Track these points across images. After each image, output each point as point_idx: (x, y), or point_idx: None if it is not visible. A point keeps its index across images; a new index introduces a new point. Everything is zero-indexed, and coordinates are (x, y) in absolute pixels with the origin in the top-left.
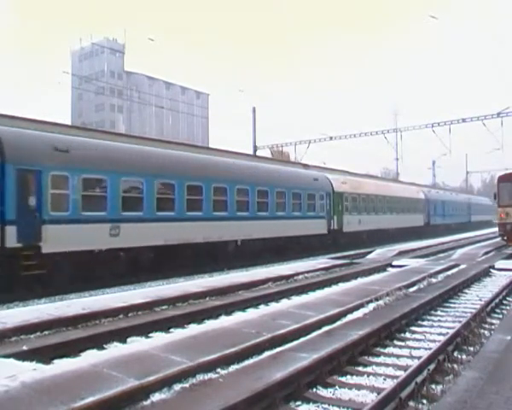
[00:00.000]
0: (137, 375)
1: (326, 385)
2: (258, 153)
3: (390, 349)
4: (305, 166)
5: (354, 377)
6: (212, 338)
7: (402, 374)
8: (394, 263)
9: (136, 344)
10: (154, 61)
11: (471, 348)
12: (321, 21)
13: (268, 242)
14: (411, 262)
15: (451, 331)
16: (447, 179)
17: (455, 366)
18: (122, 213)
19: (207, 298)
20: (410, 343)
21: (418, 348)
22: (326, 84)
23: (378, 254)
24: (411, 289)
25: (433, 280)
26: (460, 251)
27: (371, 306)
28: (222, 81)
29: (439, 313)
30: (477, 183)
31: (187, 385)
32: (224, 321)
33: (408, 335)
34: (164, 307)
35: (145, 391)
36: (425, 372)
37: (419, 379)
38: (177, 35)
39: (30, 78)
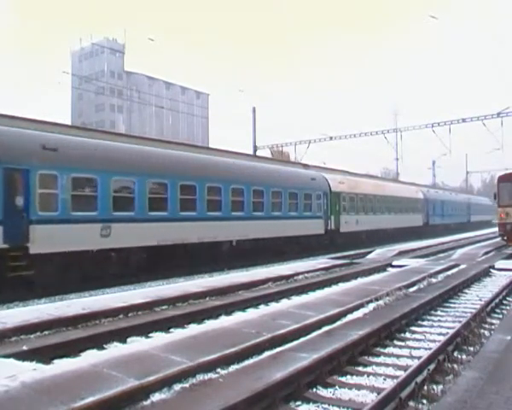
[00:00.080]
0: (137, 375)
1: (326, 385)
2: (259, 153)
3: (390, 349)
4: (305, 166)
5: (354, 377)
6: (212, 338)
7: (402, 374)
8: (394, 263)
9: (136, 344)
10: (154, 61)
11: (471, 348)
12: (321, 21)
13: (264, 242)
14: (411, 262)
15: (451, 331)
16: (447, 179)
17: (455, 366)
18: (113, 214)
19: (207, 298)
20: (410, 343)
21: (418, 348)
22: (326, 84)
23: (378, 254)
24: (411, 289)
25: (433, 280)
26: (460, 251)
27: (371, 306)
28: (222, 81)
29: (439, 313)
30: (477, 183)
31: (187, 385)
32: (223, 321)
33: (408, 335)
34: (164, 307)
35: (145, 391)
36: (425, 372)
37: (419, 379)
38: (177, 35)
39: (30, 78)
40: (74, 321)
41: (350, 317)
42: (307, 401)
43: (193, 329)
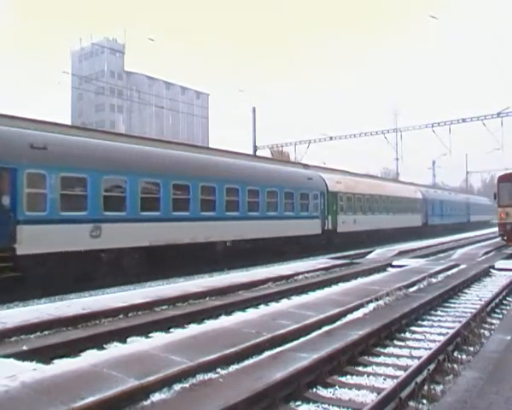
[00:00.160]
0: (137, 375)
1: (326, 385)
2: (259, 153)
3: (390, 349)
4: (306, 166)
5: (354, 377)
6: (212, 338)
7: (402, 374)
8: (394, 263)
9: (136, 344)
10: (154, 61)
11: (471, 348)
12: (321, 21)
13: (259, 242)
14: (411, 262)
15: (451, 331)
16: (447, 179)
17: (455, 366)
18: (104, 213)
19: (207, 298)
20: (410, 343)
21: (418, 348)
22: (326, 84)
23: (378, 254)
24: (411, 289)
25: (433, 280)
26: (460, 251)
27: (371, 306)
28: (222, 81)
29: (439, 313)
30: (477, 183)
31: (187, 385)
32: (223, 321)
33: (408, 335)
34: (164, 307)
35: (145, 391)
36: (425, 372)
37: (419, 379)
38: (177, 35)
39: (30, 78)
40: (74, 321)
41: (350, 317)
42: (307, 401)
43: (193, 329)
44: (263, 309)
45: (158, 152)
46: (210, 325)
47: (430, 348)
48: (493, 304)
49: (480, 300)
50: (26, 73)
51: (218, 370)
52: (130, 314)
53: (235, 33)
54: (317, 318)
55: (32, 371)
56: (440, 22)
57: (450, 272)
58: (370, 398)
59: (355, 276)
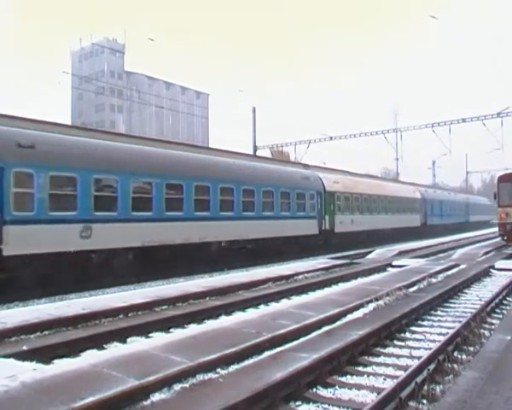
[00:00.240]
0: (137, 375)
1: (326, 385)
2: (259, 153)
3: (390, 349)
4: (305, 166)
5: (354, 377)
6: (212, 338)
7: (402, 374)
8: (394, 263)
9: (136, 344)
10: (154, 61)
11: (471, 348)
12: (321, 21)
13: (254, 243)
14: (411, 262)
15: (451, 331)
16: (447, 179)
17: (455, 366)
18: (94, 214)
19: (207, 298)
20: (410, 343)
21: (418, 348)
22: (326, 84)
23: (378, 254)
24: (411, 289)
25: (433, 280)
26: (460, 251)
27: (371, 306)
28: (222, 81)
29: (439, 313)
30: (477, 183)
31: (187, 385)
32: (224, 321)
33: (408, 335)
34: (164, 307)
35: (145, 391)
36: (425, 372)
37: (419, 379)
38: (177, 35)
39: (30, 78)
40: (74, 321)
41: (350, 317)
42: (307, 401)
43: (193, 329)
44: (263, 309)
45: (150, 151)
46: (210, 325)
47: (430, 348)
48: (493, 304)
49: (480, 300)
50: (26, 73)
51: (218, 370)
52: (130, 314)
53: (235, 33)
54: (317, 318)
55: (32, 371)
56: (440, 22)
57: (450, 272)
58: (370, 398)
59: (355, 276)
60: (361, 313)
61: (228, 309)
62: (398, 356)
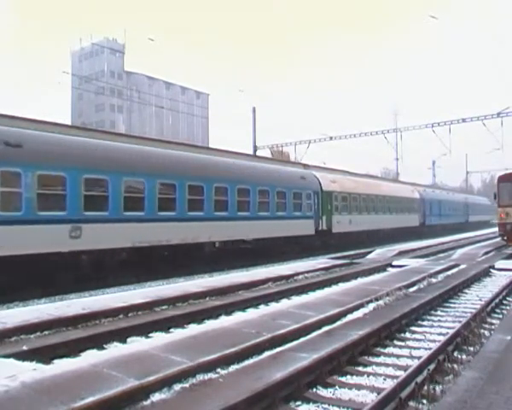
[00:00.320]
0: (137, 375)
1: (326, 385)
2: (259, 153)
3: (390, 349)
4: (306, 166)
5: (354, 377)
6: (212, 338)
7: (402, 374)
8: (394, 263)
9: (136, 344)
10: (154, 61)
11: (471, 348)
12: (321, 21)
13: (250, 243)
14: (411, 262)
15: (451, 331)
16: (447, 179)
17: (455, 366)
18: (84, 214)
19: (207, 298)
20: (410, 343)
21: (418, 348)
22: (326, 84)
23: (378, 254)
24: (411, 289)
25: (433, 280)
26: (460, 251)
27: (371, 306)
28: (222, 81)
29: (439, 313)
30: (477, 183)
31: (187, 385)
32: (223, 321)
33: (408, 335)
34: (164, 307)
35: (145, 391)
36: (425, 372)
37: (419, 379)
38: (177, 35)
39: (30, 78)
40: (74, 321)
41: (350, 317)
42: (307, 401)
43: (193, 329)
44: (263, 309)
45: (142, 150)
46: (210, 325)
47: (430, 348)
48: (493, 304)
49: (480, 300)
50: (26, 73)
51: (218, 370)
52: (130, 314)
53: (235, 33)
54: (317, 318)
55: (32, 371)
56: (440, 22)
57: (450, 272)
58: (370, 398)
59: (355, 276)
60: (361, 313)
61: (228, 309)
62: (398, 356)
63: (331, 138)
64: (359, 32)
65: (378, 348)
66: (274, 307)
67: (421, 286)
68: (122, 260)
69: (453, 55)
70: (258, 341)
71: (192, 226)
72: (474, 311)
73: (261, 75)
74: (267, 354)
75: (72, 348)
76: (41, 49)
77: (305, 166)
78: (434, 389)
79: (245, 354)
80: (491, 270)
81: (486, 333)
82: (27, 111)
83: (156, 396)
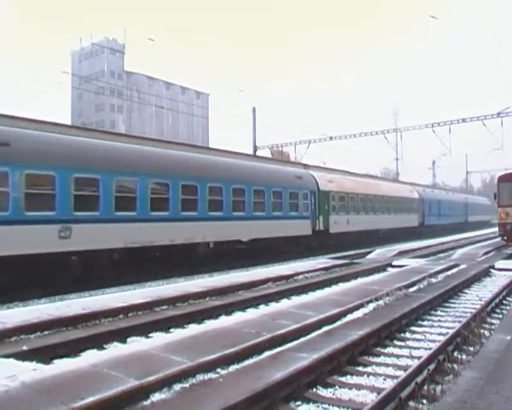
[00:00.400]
0: (137, 375)
1: (326, 385)
2: (259, 153)
3: (390, 349)
4: (305, 166)
5: (354, 377)
6: (212, 338)
7: (402, 374)
8: (394, 263)
9: (136, 344)
10: (154, 61)
11: (471, 348)
12: (321, 21)
13: (245, 244)
14: (411, 262)
15: (451, 331)
16: (447, 179)
17: (455, 366)
18: (74, 214)
19: (207, 298)
20: (410, 343)
21: (418, 348)
22: (326, 84)
23: (378, 254)
24: (411, 289)
25: (433, 280)
26: (460, 251)
27: (371, 306)
28: (222, 81)
29: (439, 313)
30: (477, 183)
31: (187, 385)
32: (224, 321)
33: (408, 335)
34: (164, 307)
35: (145, 391)
36: (425, 372)
37: (419, 379)
38: (177, 35)
39: (30, 78)
40: (74, 321)
41: (350, 317)
42: (307, 401)
43: (193, 329)
44: (263, 309)
45: (135, 149)
46: (210, 325)
47: (430, 348)
48: (493, 304)
49: (480, 300)
50: (26, 73)
51: (218, 370)
52: (130, 314)
53: (235, 33)
54: (317, 318)
55: (32, 371)
56: (440, 22)
57: (450, 272)
58: (370, 398)
59: (355, 276)
60: (361, 313)
61: (228, 309)
62: (398, 356)
63: (331, 138)
64: (359, 32)
65: (378, 348)
66: (274, 307)
67: (421, 286)
68: (114, 260)
69: (453, 55)
70: (258, 341)
71: (186, 226)
72: (474, 311)
73: (261, 75)
74: (267, 354)
75: (72, 348)
76: (41, 49)
77: (305, 166)
78: (434, 389)
79: (245, 354)
80: (491, 270)
81: (486, 333)
82: (27, 111)
83: (156, 396)
